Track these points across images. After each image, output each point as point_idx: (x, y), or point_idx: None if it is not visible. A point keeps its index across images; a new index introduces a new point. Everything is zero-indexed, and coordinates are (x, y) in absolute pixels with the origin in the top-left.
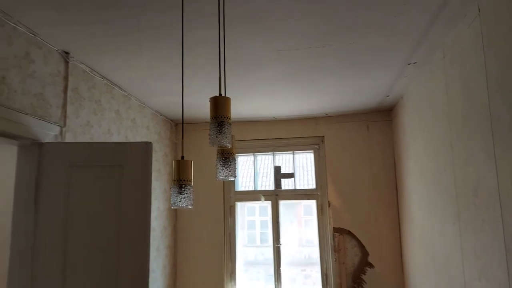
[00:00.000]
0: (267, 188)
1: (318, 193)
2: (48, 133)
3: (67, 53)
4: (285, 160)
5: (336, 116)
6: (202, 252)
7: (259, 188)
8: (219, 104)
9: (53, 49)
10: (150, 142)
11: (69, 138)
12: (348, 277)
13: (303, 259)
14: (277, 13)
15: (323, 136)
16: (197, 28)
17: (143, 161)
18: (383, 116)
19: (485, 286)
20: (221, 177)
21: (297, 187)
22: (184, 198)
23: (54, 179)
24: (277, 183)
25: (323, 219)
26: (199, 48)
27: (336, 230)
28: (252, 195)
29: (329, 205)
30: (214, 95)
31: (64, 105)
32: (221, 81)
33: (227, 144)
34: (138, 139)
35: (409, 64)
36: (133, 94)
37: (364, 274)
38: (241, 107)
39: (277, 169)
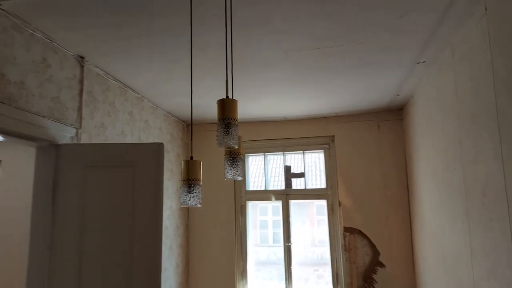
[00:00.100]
0: (277, 188)
1: (329, 193)
2: (65, 135)
3: (82, 57)
4: (295, 160)
5: (346, 116)
6: (214, 251)
7: (269, 188)
8: (226, 106)
9: (68, 54)
10: (162, 143)
11: (84, 139)
12: (359, 277)
13: (316, 259)
14: (284, 15)
15: (333, 135)
16: (205, 31)
17: (156, 161)
18: (394, 115)
19: (493, 286)
20: (229, 177)
21: (308, 187)
22: (193, 197)
23: (70, 179)
24: (288, 183)
25: (334, 218)
26: (208, 50)
27: (347, 229)
28: (263, 195)
29: (339, 205)
30: (222, 97)
31: (80, 108)
32: (228, 83)
33: (234, 145)
34: (151, 140)
35: (418, 63)
36: (146, 96)
37: (375, 274)
38: (251, 108)
39: (287, 169)
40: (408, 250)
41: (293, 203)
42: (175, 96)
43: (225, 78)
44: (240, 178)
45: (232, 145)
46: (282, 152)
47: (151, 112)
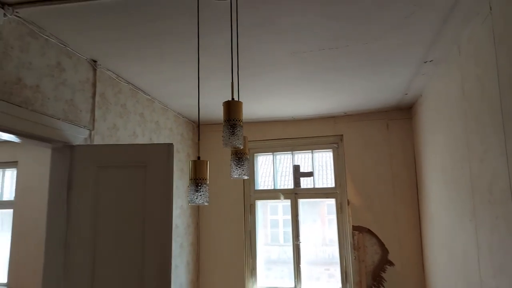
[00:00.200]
0: (286, 187)
1: (337, 192)
2: (79, 136)
3: (95, 61)
4: (304, 159)
5: (355, 115)
6: (224, 249)
7: (278, 187)
8: (232, 108)
9: (82, 58)
10: (172, 144)
11: (97, 140)
12: (368, 275)
13: (327, 258)
14: (291, 17)
15: (342, 135)
16: (213, 34)
17: (165, 161)
18: (403, 114)
19: (499, 283)
20: (235, 176)
21: (316, 186)
22: (201, 195)
23: (84, 179)
24: (296, 182)
25: (342, 217)
26: (216, 52)
27: (355, 228)
28: (272, 194)
29: (348, 204)
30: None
31: (93, 110)
32: (234, 85)
33: (239, 145)
34: (161, 141)
35: (425, 62)
36: (157, 98)
37: (384, 272)
38: (259, 108)
39: (296, 168)
40: (418, 249)
41: (304, 202)
42: (185, 97)
43: (236, 79)
44: (246, 177)
45: (237, 146)
46: (290, 152)
47: (162, 113)
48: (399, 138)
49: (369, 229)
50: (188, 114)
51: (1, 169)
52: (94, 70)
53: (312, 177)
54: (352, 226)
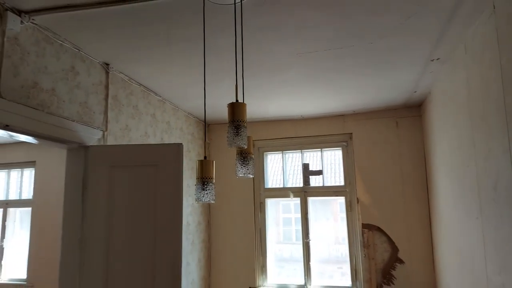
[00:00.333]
0: (295, 185)
1: (347, 190)
2: (92, 137)
3: (107, 64)
4: (313, 158)
5: (364, 113)
6: (235, 246)
7: (288, 185)
8: (236, 109)
9: (95, 61)
10: (181, 144)
11: (110, 141)
12: (378, 273)
13: (339, 257)
14: (296, 19)
15: (351, 133)
16: (221, 37)
17: (176, 160)
18: (413, 112)
19: (504, 280)
20: (240, 175)
21: (326, 184)
22: (207, 193)
23: (98, 178)
24: (306, 180)
25: (352, 215)
26: (224, 55)
27: (365, 226)
28: (281, 192)
29: (357, 202)
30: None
31: (106, 112)
32: (238, 87)
33: (244, 145)
34: (173, 140)
35: (432, 61)
36: (168, 99)
37: (394, 270)
38: (268, 108)
39: (305, 166)
40: (428, 247)
41: (316, 201)
42: (195, 97)
43: (241, 80)
44: (251, 176)
45: (241, 145)
46: (300, 150)
47: (173, 113)
48: (409, 136)
49: (378, 227)
50: (198, 114)
51: (19, 169)
52: (107, 73)
53: (321, 175)
54: (362, 224)
